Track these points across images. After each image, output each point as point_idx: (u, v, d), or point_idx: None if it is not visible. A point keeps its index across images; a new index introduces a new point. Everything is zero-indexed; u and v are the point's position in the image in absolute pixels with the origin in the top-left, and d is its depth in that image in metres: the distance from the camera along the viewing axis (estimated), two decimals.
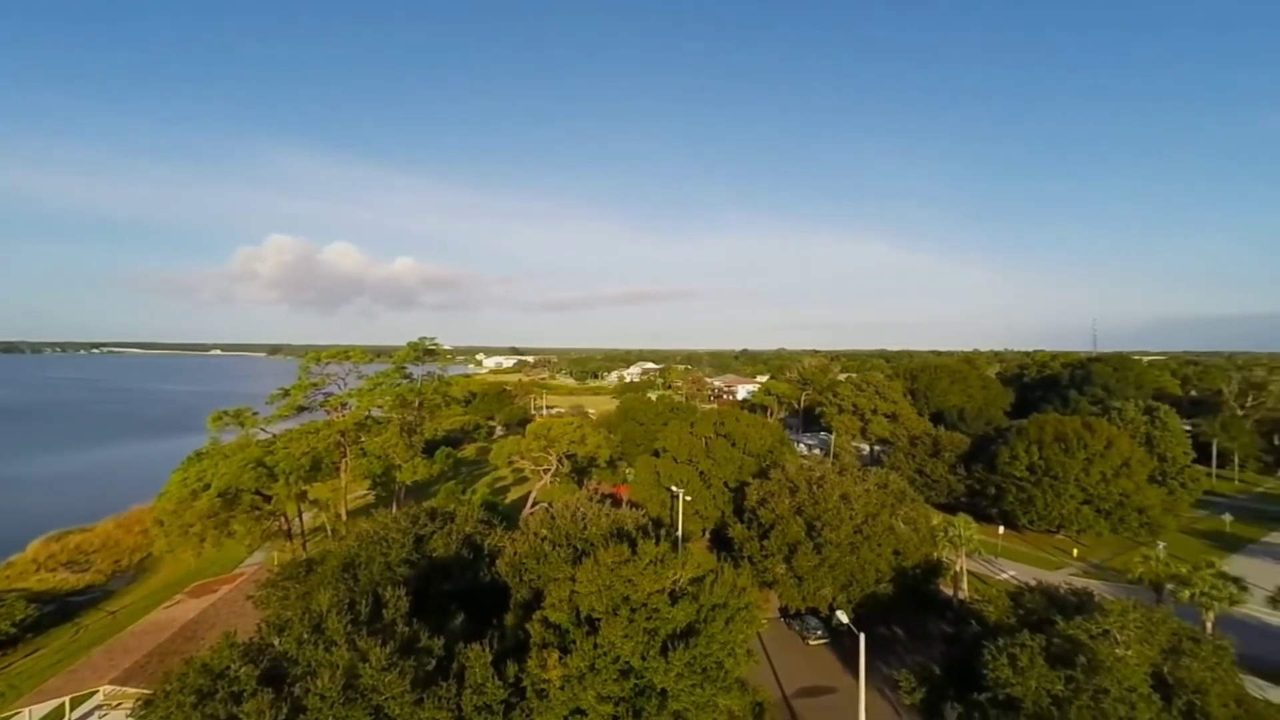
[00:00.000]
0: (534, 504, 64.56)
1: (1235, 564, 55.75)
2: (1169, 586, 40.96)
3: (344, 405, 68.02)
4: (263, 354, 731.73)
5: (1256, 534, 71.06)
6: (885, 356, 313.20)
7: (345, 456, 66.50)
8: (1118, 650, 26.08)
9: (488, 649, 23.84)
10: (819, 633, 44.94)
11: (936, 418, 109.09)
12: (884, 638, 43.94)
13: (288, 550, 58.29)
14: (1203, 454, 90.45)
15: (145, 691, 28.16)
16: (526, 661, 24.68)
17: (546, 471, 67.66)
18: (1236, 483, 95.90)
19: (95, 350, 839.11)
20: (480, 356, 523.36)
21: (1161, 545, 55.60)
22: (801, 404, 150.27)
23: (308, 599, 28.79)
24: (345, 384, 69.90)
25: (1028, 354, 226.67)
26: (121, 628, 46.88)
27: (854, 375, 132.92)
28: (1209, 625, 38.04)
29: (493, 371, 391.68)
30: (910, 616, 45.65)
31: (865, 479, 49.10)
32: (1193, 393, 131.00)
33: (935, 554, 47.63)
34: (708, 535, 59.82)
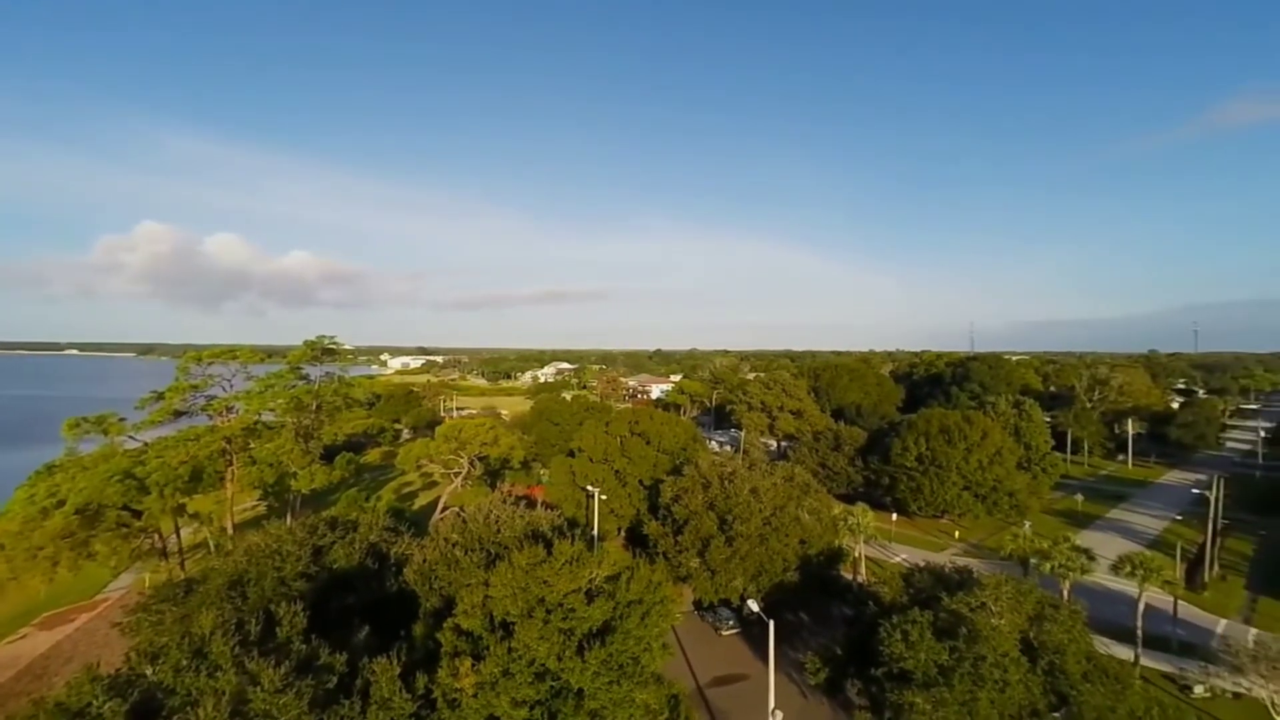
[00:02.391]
0: (444, 509, 62.29)
1: (1086, 538, 63.13)
2: (1033, 561, 45.74)
3: (230, 409, 62.47)
4: (132, 354, 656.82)
5: (1102, 511, 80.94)
6: (791, 356, 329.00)
7: (231, 465, 61.08)
8: (993, 620, 28.87)
9: (395, 661, 22.79)
10: (731, 623, 46.44)
11: (837, 414, 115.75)
12: (791, 624, 46.06)
13: (163, 570, 52.71)
14: (1060, 442, 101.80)
15: None
16: (437, 671, 23.80)
17: (457, 475, 65.49)
18: (1086, 467, 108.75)
19: None
20: (385, 356, 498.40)
21: (1028, 524, 62.20)
22: (713, 402, 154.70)
23: (187, 622, 26.25)
24: (232, 386, 64.20)
25: (916, 354, 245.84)
26: None
27: (762, 374, 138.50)
28: (1066, 593, 42.84)
29: (399, 372, 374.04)
30: (815, 602, 48.16)
31: (773, 473, 51.29)
32: (1051, 388, 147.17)
33: (837, 542, 50.54)
34: (623, 533, 60.21)
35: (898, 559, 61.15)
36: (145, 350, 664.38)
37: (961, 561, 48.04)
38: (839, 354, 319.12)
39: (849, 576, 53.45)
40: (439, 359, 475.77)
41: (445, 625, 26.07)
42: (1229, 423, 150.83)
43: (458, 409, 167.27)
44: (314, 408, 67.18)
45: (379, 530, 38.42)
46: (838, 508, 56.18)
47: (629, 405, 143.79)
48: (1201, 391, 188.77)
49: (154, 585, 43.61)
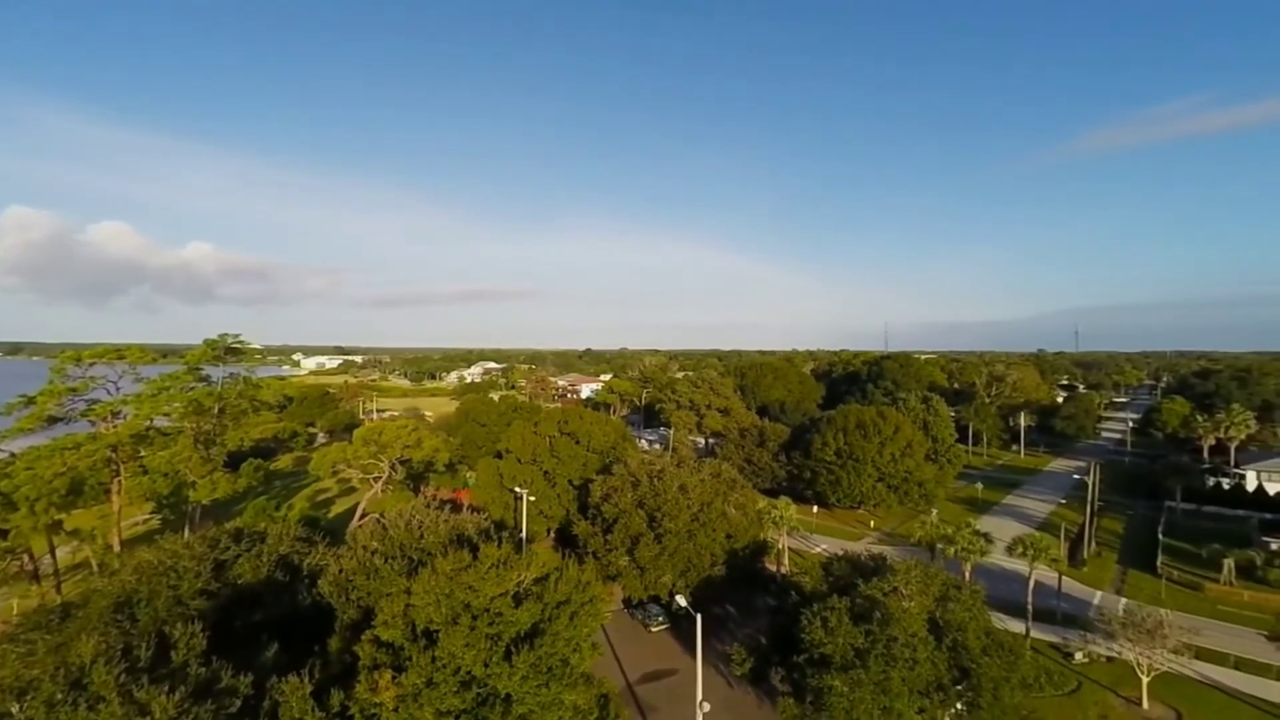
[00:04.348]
0: (363, 516, 59.41)
1: (985, 523, 68.33)
2: (939, 545, 49.03)
3: (116, 414, 56.88)
4: None
5: (999, 497, 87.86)
6: (719, 356, 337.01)
7: (119, 476, 55.65)
8: (904, 603, 30.70)
9: (307, 679, 21.53)
10: (660, 619, 46.96)
11: (762, 411, 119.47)
12: (719, 617, 47.13)
13: (34, 595, 47.33)
14: (962, 434, 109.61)
15: None
16: (354, 686, 22.68)
17: (378, 480, 62.64)
18: (985, 457, 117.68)
19: None
20: (298, 356, 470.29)
21: (934, 512, 66.62)
22: (643, 401, 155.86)
23: (63, 651, 23.69)
24: (119, 389, 58.48)
25: (836, 353, 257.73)
26: None
27: (691, 373, 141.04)
28: (967, 574, 46.19)
29: (314, 373, 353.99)
30: (741, 594, 49.50)
31: (700, 469, 52.28)
32: (955, 385, 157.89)
33: (761, 535, 52.16)
34: (553, 534, 59.59)
35: (818, 549, 63.83)
36: (13, 350, 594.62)
37: (876, 549, 50.73)
38: (764, 353, 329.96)
39: (773, 568, 55.27)
40: (358, 359, 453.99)
41: (363, 637, 24.90)
42: (1104, 415, 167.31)
43: (378, 411, 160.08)
44: (216, 411, 62.20)
45: (290, 541, 36.15)
46: (762, 502, 57.96)
47: (558, 405, 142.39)
48: (1081, 387, 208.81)
49: (23, 612, 39.13)
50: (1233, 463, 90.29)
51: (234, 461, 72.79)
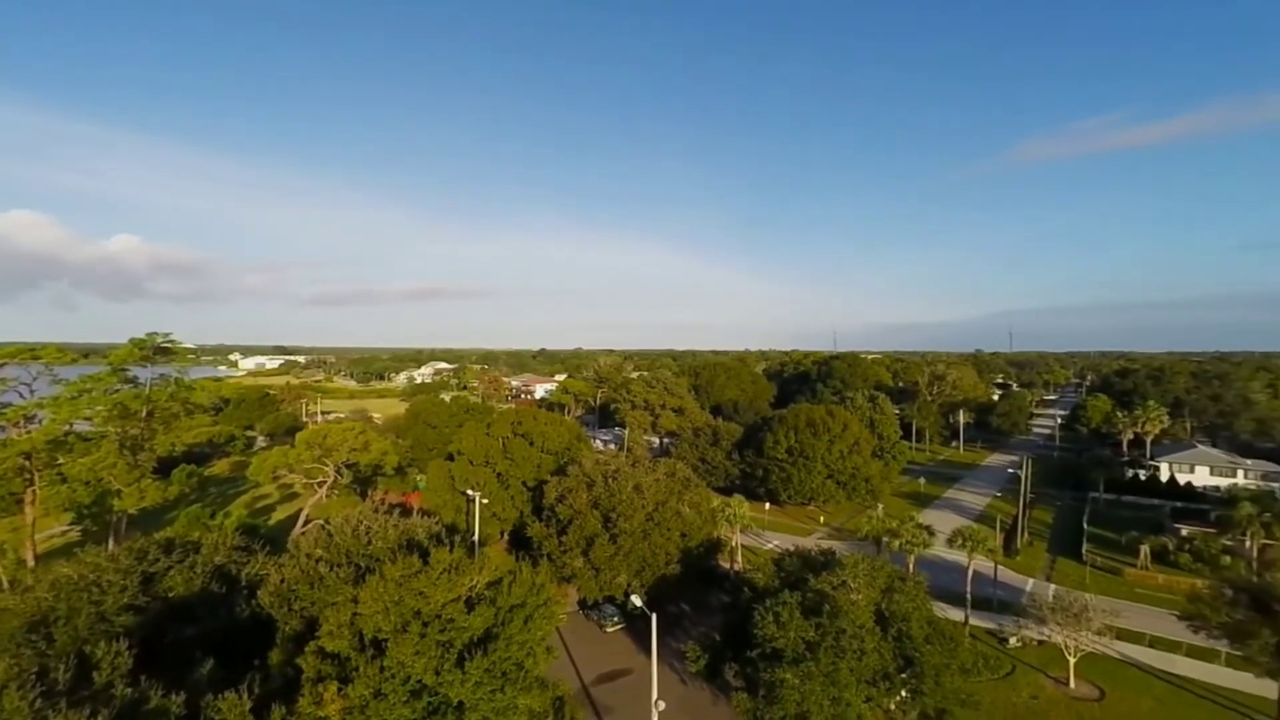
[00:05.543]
0: (306, 522, 57.17)
1: (927, 516, 71.14)
2: (885, 539, 50.84)
3: (30, 418, 52.92)
4: None
5: (940, 491, 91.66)
6: (673, 355, 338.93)
7: (33, 485, 51.82)
8: (852, 596, 31.65)
9: (245, 695, 20.56)
10: (615, 619, 46.93)
11: (715, 410, 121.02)
12: (674, 615, 47.45)
13: None
14: (906, 431, 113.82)
15: None
16: (297, 701, 21.80)
17: (322, 485, 60.35)
18: (928, 453, 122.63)
19: None
20: (236, 356, 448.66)
21: (880, 507, 68.97)
22: (598, 401, 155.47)
23: None
24: (33, 391, 54.44)
25: (787, 353, 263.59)
26: None
27: (645, 373, 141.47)
28: (911, 566, 48.01)
29: (252, 373, 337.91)
30: (696, 591, 50.00)
31: (655, 469, 52.53)
32: (900, 384, 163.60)
33: (715, 533, 52.83)
34: (506, 537, 58.75)
35: (770, 545, 65.10)
36: None
37: (826, 544, 52.17)
38: (718, 353, 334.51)
39: (727, 565, 56.05)
40: (300, 359, 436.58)
41: (307, 649, 23.96)
42: (1035, 412, 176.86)
43: (323, 413, 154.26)
44: (144, 415, 58.62)
45: (227, 550, 34.48)
46: (716, 500, 58.71)
47: (512, 406, 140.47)
48: (1015, 385, 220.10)
49: None
50: (1148, 455, 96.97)
51: (165, 468, 68.88)
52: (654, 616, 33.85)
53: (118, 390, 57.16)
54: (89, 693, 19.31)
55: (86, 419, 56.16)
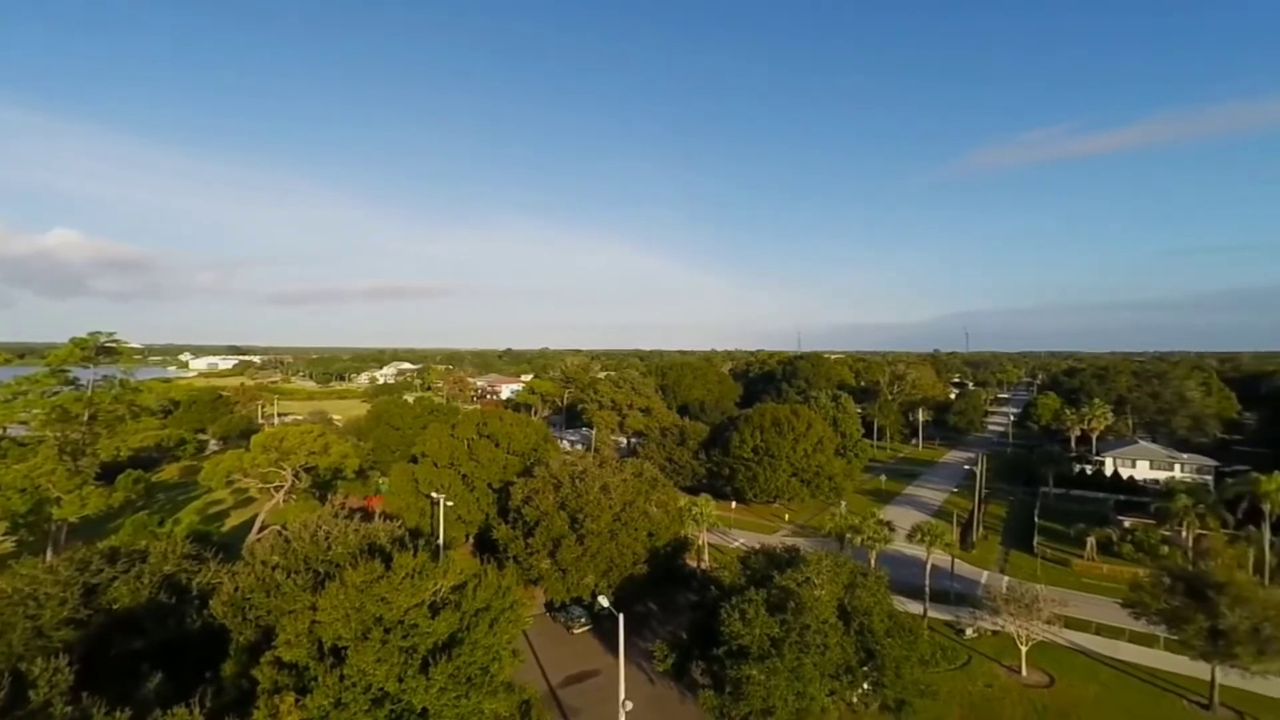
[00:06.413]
0: (262, 528, 55.37)
1: (888, 512, 73.00)
2: (848, 535, 51.91)
3: None
4: None
5: (900, 488, 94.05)
6: (640, 356, 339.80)
7: None
8: (816, 592, 32.21)
9: (197, 709, 19.79)
10: (583, 620, 46.73)
11: (682, 410, 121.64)
12: (641, 615, 47.48)
13: None
14: (868, 429, 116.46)
15: None
16: (252, 714, 21.09)
17: (279, 489, 58.51)
18: (889, 450, 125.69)
19: None
20: (186, 357, 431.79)
21: (843, 504, 70.35)
22: (564, 402, 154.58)
23: None
24: None
25: (752, 353, 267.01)
26: None
27: (613, 373, 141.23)
28: (873, 561, 49.13)
29: (204, 374, 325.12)
30: (663, 591, 50.11)
31: (623, 469, 52.50)
32: (862, 383, 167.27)
33: (682, 532, 53.08)
34: (472, 540, 57.90)
35: (737, 543, 65.76)
36: None
37: (791, 541, 52.76)
38: (684, 353, 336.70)
39: (694, 564, 56.37)
40: (256, 359, 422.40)
41: (263, 659, 23.20)
42: (990, 410, 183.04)
43: (280, 415, 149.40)
44: (86, 418, 55.86)
45: (176, 559, 33.13)
46: (683, 499, 59.01)
47: (477, 406, 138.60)
48: (971, 385, 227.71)
49: None
50: (1094, 451, 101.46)
51: (109, 474, 65.68)
52: (621, 617, 33.83)
53: (57, 392, 54.37)
54: (24, 712, 18.30)
55: (22, 423, 53.30)
